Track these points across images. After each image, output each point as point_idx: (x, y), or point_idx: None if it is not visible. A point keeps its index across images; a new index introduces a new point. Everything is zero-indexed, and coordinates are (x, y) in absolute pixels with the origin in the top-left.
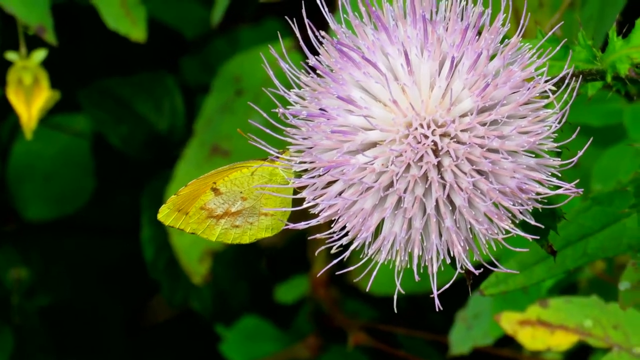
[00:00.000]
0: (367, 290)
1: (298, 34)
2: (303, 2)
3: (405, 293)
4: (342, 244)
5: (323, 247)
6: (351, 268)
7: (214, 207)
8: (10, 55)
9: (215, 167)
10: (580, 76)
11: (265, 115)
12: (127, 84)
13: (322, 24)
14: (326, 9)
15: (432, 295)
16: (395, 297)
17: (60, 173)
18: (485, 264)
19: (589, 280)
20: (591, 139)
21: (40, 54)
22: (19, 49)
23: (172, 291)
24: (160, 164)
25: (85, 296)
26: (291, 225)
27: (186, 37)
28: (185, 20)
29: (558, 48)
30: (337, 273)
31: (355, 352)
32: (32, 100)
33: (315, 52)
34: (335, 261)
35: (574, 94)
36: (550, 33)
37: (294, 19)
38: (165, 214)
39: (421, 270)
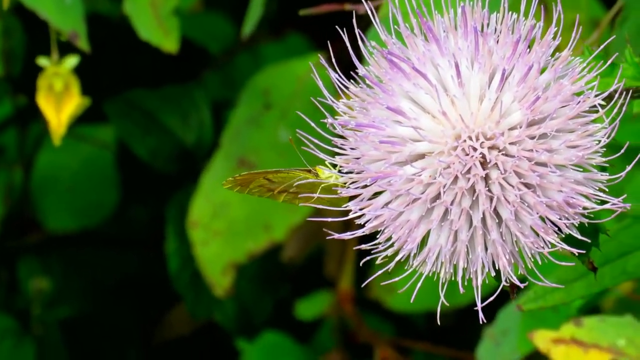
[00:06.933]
0: (411, 300)
1: (348, 45)
2: (327, 11)
3: (426, 311)
4: (371, 256)
5: (350, 263)
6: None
7: (272, 187)
8: (42, 61)
9: None
10: (629, 93)
11: (312, 123)
12: (154, 96)
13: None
14: (377, 19)
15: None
16: (438, 309)
17: (84, 184)
18: (530, 278)
19: (617, 299)
20: (638, 156)
21: (72, 60)
22: (51, 54)
23: (195, 304)
24: (184, 176)
25: (104, 309)
26: (337, 236)
27: (211, 52)
28: (210, 35)
29: (607, 64)
30: (363, 285)
31: None
32: (62, 107)
33: (352, 66)
34: (379, 272)
35: (623, 109)
36: (600, 48)
37: (320, 32)
38: (229, 186)
39: (465, 282)
